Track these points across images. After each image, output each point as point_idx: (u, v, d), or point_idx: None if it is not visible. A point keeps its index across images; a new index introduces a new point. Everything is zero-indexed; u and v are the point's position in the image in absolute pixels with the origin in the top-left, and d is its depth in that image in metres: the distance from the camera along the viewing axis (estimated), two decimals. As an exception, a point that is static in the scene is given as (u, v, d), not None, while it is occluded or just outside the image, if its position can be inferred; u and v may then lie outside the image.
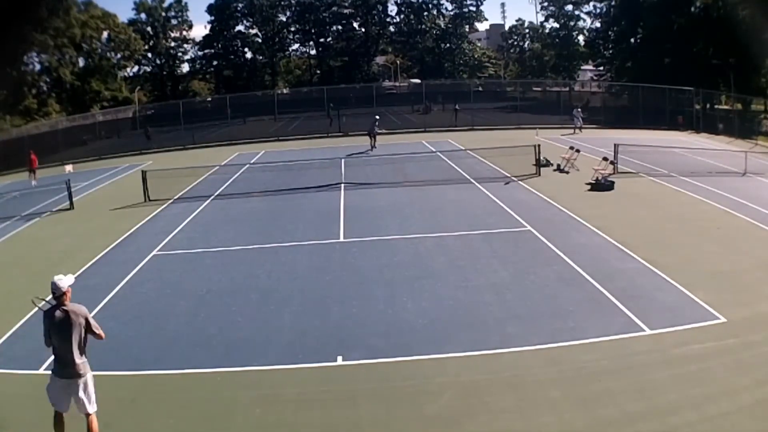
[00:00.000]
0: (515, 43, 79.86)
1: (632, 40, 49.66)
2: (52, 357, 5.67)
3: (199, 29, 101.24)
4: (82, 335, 5.48)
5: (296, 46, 74.32)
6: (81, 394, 5.47)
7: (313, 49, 73.56)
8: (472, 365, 6.99)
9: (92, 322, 5.57)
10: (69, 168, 25.42)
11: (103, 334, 5.67)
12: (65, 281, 5.46)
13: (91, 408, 5.54)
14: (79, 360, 5.44)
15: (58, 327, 5.38)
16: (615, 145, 19.41)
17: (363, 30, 71.18)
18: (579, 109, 32.44)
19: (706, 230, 12.46)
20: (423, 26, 69.59)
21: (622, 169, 18.69)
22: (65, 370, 5.44)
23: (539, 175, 18.74)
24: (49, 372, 5.65)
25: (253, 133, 35.77)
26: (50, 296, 5.49)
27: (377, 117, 28.92)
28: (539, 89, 56.07)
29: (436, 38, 69.69)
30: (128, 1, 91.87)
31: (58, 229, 15.45)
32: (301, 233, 13.21)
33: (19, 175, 28.54)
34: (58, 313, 5.40)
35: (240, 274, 10.73)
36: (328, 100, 38.61)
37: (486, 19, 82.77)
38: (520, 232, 12.62)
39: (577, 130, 31.02)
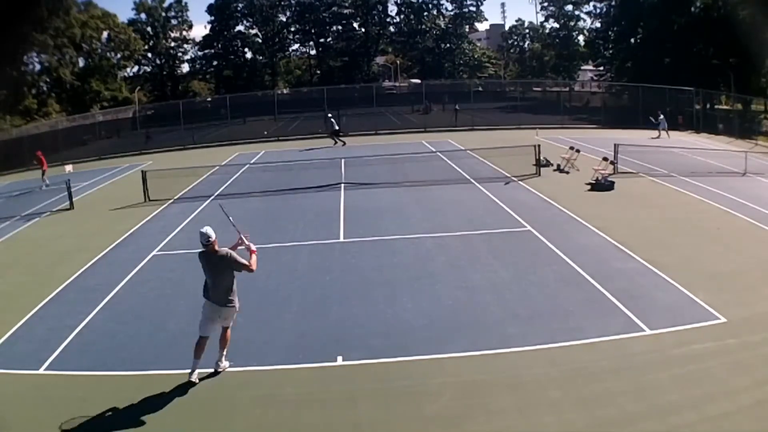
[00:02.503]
0: (515, 43, 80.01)
1: (632, 40, 49.70)
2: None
3: (199, 29, 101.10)
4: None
5: (296, 46, 74.53)
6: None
7: (313, 49, 73.68)
8: (472, 365, 6.99)
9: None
10: (69, 168, 25.39)
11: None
12: (212, 231, 6.73)
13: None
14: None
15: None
16: (615, 145, 19.41)
17: (363, 30, 71.19)
18: (662, 115, 30.04)
19: (706, 230, 12.46)
20: (423, 26, 69.62)
21: (622, 169, 18.69)
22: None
23: (539, 175, 18.73)
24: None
25: (253, 133, 35.78)
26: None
27: (329, 115, 30.18)
28: (539, 89, 56.13)
29: (436, 38, 69.72)
30: (128, 1, 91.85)
31: (58, 229, 15.45)
32: (301, 233, 13.21)
33: (19, 175, 28.58)
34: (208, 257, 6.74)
35: (239, 274, 10.69)
36: (328, 101, 38.67)
37: (486, 19, 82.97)
38: (520, 232, 12.61)
39: (663, 133, 29.19)
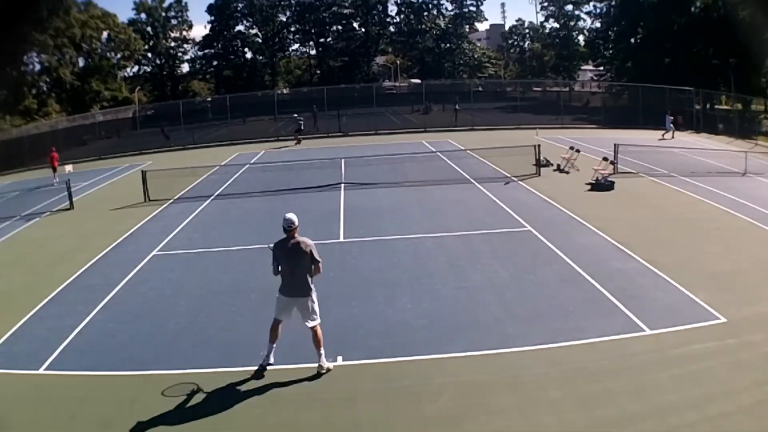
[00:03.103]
0: (515, 43, 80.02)
1: (632, 40, 49.69)
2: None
3: (199, 29, 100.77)
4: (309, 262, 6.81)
5: (296, 46, 74.54)
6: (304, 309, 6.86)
7: (313, 49, 73.65)
8: (472, 365, 6.99)
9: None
10: (69, 168, 25.42)
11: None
12: (295, 217, 6.85)
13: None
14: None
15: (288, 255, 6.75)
16: (615, 145, 19.41)
17: (363, 30, 71.17)
18: (670, 116, 29.34)
19: (706, 230, 12.45)
20: (423, 26, 69.60)
21: (622, 169, 18.70)
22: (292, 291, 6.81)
23: (539, 175, 18.74)
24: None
25: (253, 133, 35.79)
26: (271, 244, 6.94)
27: (295, 115, 33.72)
28: (539, 89, 56.13)
29: (436, 38, 69.69)
30: (128, 1, 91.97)
31: (58, 229, 15.45)
32: (301, 233, 13.16)
33: (18, 175, 28.58)
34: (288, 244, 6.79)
35: (240, 274, 10.73)
36: (328, 100, 38.71)
37: (486, 19, 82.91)
38: (520, 232, 12.62)
39: (668, 134, 28.70)
